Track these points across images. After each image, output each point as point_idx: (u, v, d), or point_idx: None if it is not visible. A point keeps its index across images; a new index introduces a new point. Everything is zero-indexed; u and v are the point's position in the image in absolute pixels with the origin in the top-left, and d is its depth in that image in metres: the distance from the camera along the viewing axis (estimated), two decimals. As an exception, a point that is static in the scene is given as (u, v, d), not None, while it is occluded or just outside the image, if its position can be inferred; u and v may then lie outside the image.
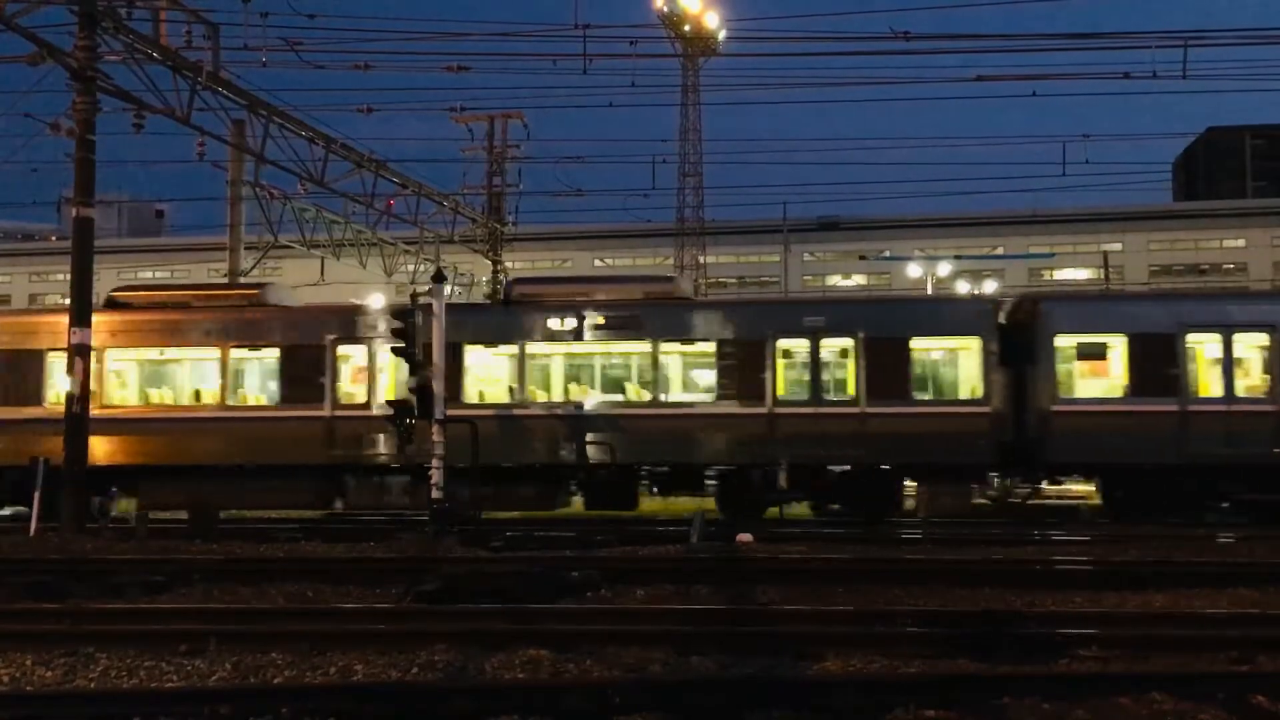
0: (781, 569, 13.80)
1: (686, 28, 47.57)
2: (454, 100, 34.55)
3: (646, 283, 22.90)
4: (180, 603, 12.39)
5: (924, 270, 48.27)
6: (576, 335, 20.88)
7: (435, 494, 18.26)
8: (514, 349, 21.06)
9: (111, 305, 22.17)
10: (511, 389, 21.10)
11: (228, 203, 29.49)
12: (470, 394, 20.98)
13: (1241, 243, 66.02)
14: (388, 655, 9.30)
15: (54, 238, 72.67)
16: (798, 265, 66.90)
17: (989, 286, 49.62)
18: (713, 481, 20.96)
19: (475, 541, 17.09)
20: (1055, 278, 65.85)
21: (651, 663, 9.10)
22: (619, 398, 21.07)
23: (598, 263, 69.44)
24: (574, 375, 21.55)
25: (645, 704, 7.63)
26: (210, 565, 14.29)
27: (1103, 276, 52.19)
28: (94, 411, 19.34)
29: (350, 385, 21.44)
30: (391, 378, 21.10)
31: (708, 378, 20.85)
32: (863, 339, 20.18)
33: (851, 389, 20.23)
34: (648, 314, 20.90)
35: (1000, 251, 62.99)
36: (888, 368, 20.04)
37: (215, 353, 21.50)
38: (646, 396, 20.73)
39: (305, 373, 21.10)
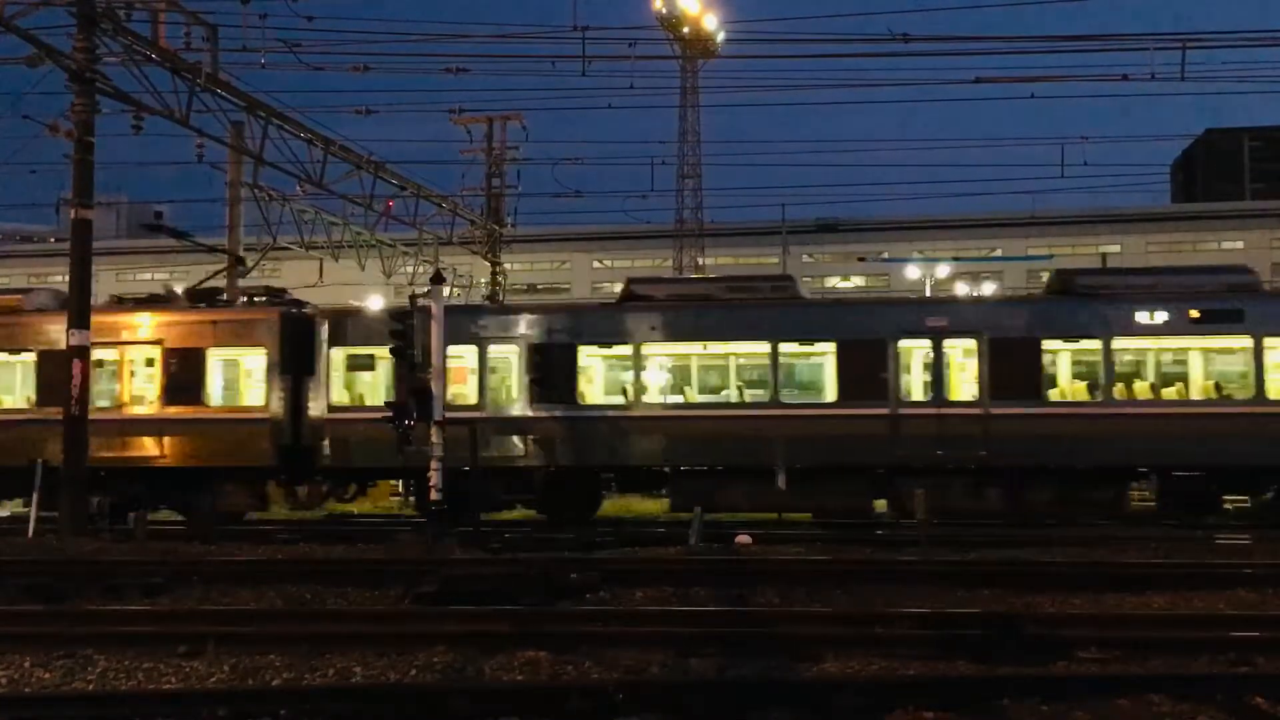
0: (780, 570, 13.78)
1: (685, 30, 47.53)
2: (453, 102, 34.57)
3: (1221, 273, 21.30)
4: (179, 604, 12.39)
5: (922, 272, 48.26)
6: (1166, 329, 19.67)
7: (435, 495, 18.25)
8: (1096, 343, 19.82)
9: (634, 298, 21.38)
10: (1093, 386, 19.94)
11: (226, 204, 29.47)
12: (1051, 393, 19.94)
13: (1240, 244, 65.99)
14: (386, 657, 9.30)
15: (52, 239, 72.62)
16: (797, 267, 66.90)
17: (987, 288, 49.58)
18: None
19: (474, 543, 17.10)
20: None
21: (650, 665, 9.10)
22: (1215, 394, 19.71)
23: (596, 264, 69.44)
24: (1159, 372, 20.24)
25: (645, 705, 7.63)
26: (209, 567, 14.27)
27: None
28: (636, 411, 18.92)
29: (915, 381, 20.51)
30: (953, 374, 20.24)
31: None
32: None
33: None
34: (1252, 306, 19.51)
35: (999, 253, 62.98)
36: None
37: (762, 347, 20.47)
38: (1249, 394, 19.37)
39: (864, 369, 20.09)
